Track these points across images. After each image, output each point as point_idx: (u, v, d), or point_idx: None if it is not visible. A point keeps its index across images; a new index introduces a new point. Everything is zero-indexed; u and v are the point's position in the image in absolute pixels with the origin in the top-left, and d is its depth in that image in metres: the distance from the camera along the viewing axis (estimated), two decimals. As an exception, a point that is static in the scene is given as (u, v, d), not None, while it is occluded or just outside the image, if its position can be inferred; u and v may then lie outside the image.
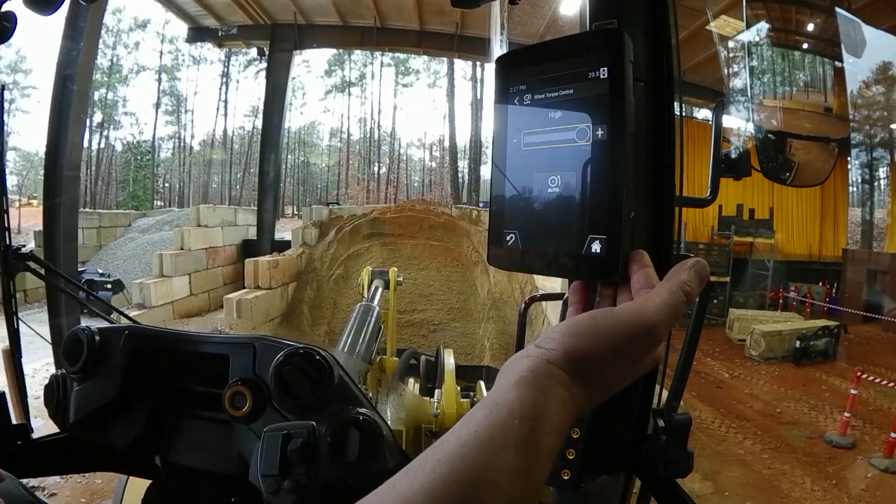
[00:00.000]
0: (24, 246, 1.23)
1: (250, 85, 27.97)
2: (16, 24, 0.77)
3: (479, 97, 27.34)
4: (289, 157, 27.69)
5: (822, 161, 0.83)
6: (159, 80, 27.46)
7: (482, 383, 1.07)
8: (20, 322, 1.21)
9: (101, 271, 10.08)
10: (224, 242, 10.10)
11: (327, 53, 27.92)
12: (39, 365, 4.63)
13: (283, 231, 12.89)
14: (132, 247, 12.22)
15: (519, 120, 0.47)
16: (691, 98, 9.98)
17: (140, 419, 0.77)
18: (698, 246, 9.73)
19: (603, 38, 0.43)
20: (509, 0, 0.83)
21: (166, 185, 29.35)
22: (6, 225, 1.15)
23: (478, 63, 21.74)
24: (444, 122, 29.00)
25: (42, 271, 1.28)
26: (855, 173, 14.44)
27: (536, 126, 0.46)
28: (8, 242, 1.14)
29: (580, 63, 0.43)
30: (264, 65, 11.29)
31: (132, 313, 7.46)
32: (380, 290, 1.90)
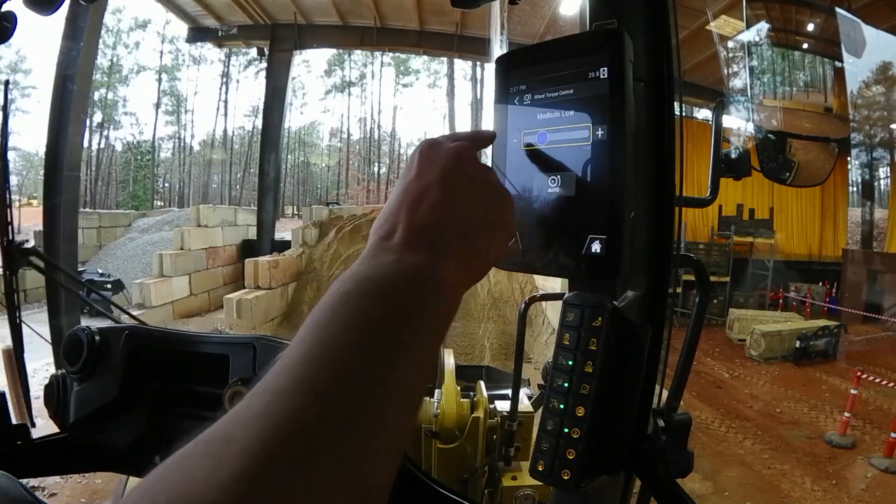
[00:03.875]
0: (27, 241, 1.22)
1: (250, 85, 28.03)
2: (16, 24, 0.77)
3: (479, 97, 27.37)
4: (289, 157, 27.69)
5: (822, 161, 0.83)
6: (159, 80, 27.48)
7: (482, 383, 1.06)
8: (21, 321, 1.20)
9: (101, 271, 10.06)
10: (224, 242, 10.07)
11: (327, 53, 27.96)
12: (39, 365, 4.61)
13: (283, 231, 12.87)
14: (132, 247, 12.20)
15: (519, 120, 0.47)
16: (691, 98, 9.96)
17: (140, 419, 0.77)
18: (698, 246, 9.70)
19: (603, 38, 0.43)
20: (509, 0, 0.83)
21: (166, 185, 29.35)
22: (9, 220, 1.15)
23: (478, 63, 21.71)
24: (444, 122, 29.02)
25: (44, 267, 1.28)
26: (855, 173, 14.43)
27: (536, 126, 0.46)
28: (11, 237, 1.14)
29: (580, 63, 0.43)
30: (264, 65, 11.26)
31: (132, 313, 7.48)
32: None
